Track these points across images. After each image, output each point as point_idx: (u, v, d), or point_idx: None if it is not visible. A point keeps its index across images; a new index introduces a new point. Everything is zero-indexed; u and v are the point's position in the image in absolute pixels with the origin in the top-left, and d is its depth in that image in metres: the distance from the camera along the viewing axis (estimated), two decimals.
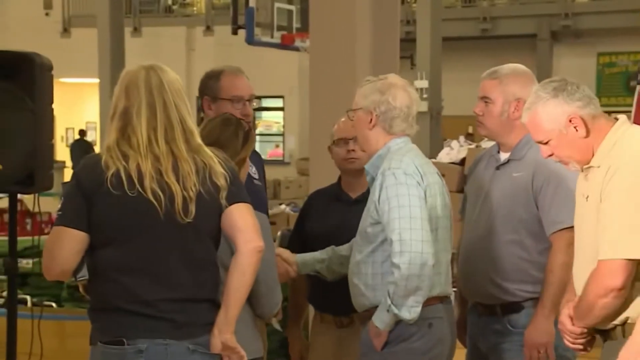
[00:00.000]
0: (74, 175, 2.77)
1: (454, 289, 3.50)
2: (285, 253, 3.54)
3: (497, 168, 3.52)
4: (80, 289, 2.84)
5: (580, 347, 2.81)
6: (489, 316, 3.50)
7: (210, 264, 2.78)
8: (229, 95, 3.73)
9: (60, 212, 2.73)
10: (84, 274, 2.73)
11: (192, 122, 2.80)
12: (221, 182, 2.75)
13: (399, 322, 3.17)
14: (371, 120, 3.30)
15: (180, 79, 2.85)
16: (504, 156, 3.52)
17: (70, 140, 23.61)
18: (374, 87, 3.32)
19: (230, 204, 2.76)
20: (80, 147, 20.41)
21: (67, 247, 2.70)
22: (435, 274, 3.20)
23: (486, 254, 3.46)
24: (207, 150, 2.79)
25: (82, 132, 22.11)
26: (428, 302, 3.20)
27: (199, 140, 2.80)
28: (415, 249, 3.11)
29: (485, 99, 3.51)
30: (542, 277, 3.37)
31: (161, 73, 2.79)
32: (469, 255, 3.55)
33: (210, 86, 3.79)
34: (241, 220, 2.76)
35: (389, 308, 3.14)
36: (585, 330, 2.76)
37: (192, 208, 2.70)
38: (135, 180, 2.68)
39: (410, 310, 3.14)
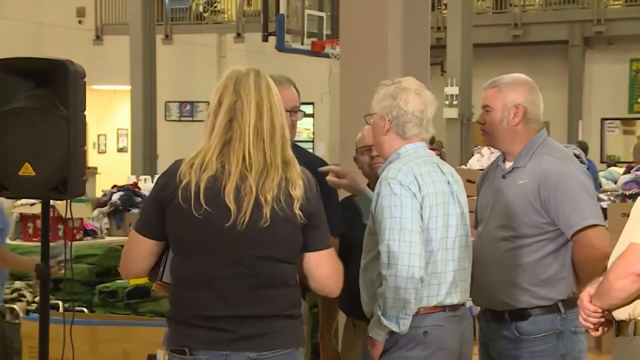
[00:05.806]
0: (156, 182, 2.77)
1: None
2: None
3: (503, 177, 3.56)
4: (154, 287, 2.86)
5: (591, 326, 2.80)
6: (498, 322, 3.52)
7: (280, 281, 2.71)
8: None
9: (139, 216, 2.82)
10: (159, 276, 2.77)
11: (288, 132, 2.73)
12: (297, 192, 2.66)
13: (393, 331, 3.15)
14: (384, 125, 3.29)
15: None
16: (508, 165, 3.57)
17: (102, 147, 23.74)
18: (387, 91, 3.30)
19: (312, 250, 2.74)
20: None
21: (135, 251, 2.78)
22: (432, 285, 3.18)
23: (494, 260, 3.49)
24: (298, 165, 2.71)
25: None
26: (424, 311, 3.18)
27: (290, 152, 2.72)
28: (402, 261, 3.07)
29: (486, 108, 3.57)
30: (548, 285, 3.41)
31: (267, 77, 2.75)
32: (478, 262, 3.54)
33: None
34: (320, 272, 2.77)
35: (380, 319, 3.14)
36: (600, 310, 2.75)
37: (267, 225, 2.64)
38: (204, 197, 2.62)
39: (400, 322, 3.12)
